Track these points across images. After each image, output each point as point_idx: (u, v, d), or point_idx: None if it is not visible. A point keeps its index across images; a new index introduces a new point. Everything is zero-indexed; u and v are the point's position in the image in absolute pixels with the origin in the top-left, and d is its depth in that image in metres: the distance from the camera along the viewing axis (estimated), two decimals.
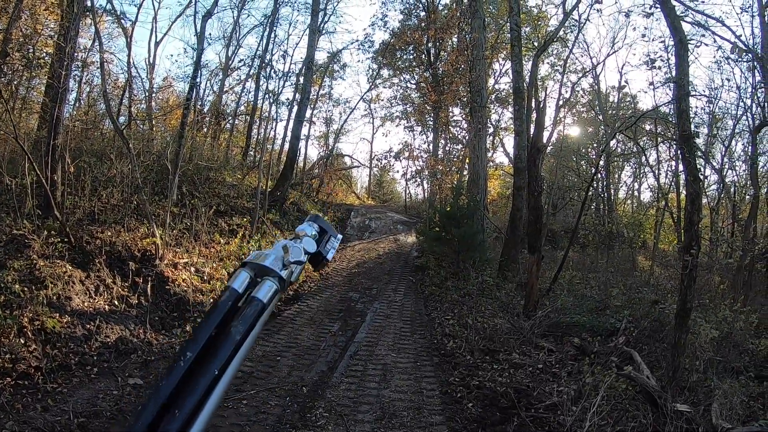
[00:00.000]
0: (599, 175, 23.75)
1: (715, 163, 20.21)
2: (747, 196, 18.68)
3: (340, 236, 1.28)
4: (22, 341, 5.58)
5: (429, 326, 9.66)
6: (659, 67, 16.24)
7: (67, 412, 4.81)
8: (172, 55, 62.41)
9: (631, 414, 5.20)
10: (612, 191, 27.28)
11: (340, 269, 14.49)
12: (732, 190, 18.97)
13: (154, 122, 17.64)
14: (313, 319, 9.55)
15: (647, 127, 22.19)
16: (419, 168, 30.37)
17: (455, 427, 5.34)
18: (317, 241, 1.17)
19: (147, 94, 19.74)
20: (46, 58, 11.28)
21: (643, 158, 24.37)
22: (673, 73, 7.50)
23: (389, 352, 7.92)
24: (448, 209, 14.52)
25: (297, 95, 21.00)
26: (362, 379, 6.65)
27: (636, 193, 30.87)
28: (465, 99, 23.72)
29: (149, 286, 8.19)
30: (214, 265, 10.28)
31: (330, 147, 32.69)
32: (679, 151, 11.21)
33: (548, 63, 27.27)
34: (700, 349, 6.82)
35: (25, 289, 6.24)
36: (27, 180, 8.21)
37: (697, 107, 19.61)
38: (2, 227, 7.29)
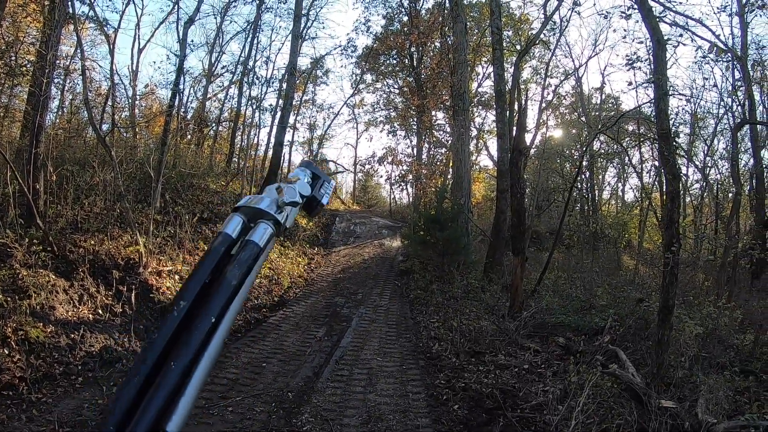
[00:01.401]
0: (583, 176, 24.03)
1: (697, 162, 20.60)
2: (729, 194, 18.99)
3: (333, 182, 1.25)
4: (6, 351, 5.56)
5: (414, 330, 9.74)
6: (639, 68, 16.52)
7: (52, 422, 4.82)
8: (154, 62, 61.99)
9: (617, 411, 5.29)
10: (596, 192, 27.60)
11: (325, 275, 14.53)
12: (715, 188, 19.30)
13: (137, 130, 17.57)
14: (299, 324, 9.59)
15: (630, 128, 22.51)
16: (403, 172, 30.58)
17: (441, 429, 5.41)
18: (311, 186, 1.12)
19: (130, 101, 19.66)
20: (28, 66, 11.21)
21: (626, 158, 24.75)
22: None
23: (375, 356, 7.98)
24: (433, 213, 14.62)
25: (280, 101, 21.07)
26: (348, 384, 6.71)
27: (620, 193, 31.28)
28: (448, 103, 23.92)
29: (133, 294, 8.18)
30: None
31: (314, 152, 32.72)
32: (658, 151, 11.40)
33: (530, 67, 27.60)
34: (685, 345, 6.93)
35: (8, 299, 6.21)
36: (9, 189, 8.17)
37: (678, 107, 19.98)
38: None
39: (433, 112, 27.44)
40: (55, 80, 12.94)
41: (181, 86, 18.89)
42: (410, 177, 30.31)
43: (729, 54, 13.91)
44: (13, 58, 11.47)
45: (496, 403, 5.88)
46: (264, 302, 10.83)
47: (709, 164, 20.36)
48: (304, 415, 5.64)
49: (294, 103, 24.17)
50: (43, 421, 4.84)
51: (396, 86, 31.78)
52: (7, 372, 5.34)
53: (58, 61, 11.59)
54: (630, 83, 24.47)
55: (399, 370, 7.38)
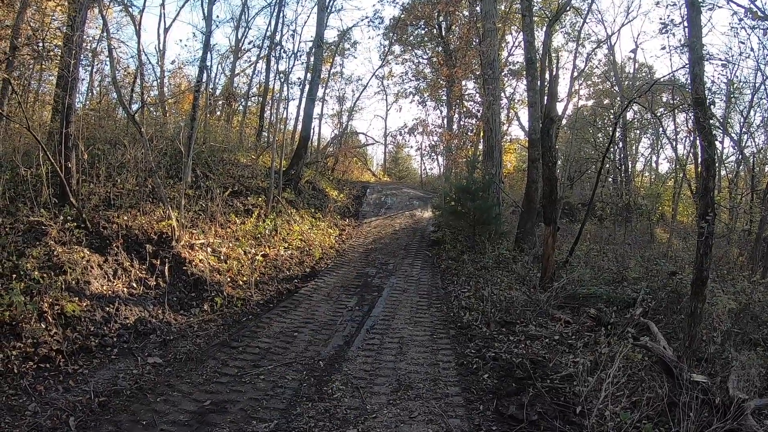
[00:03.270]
0: (616, 147, 23.36)
1: (733, 134, 19.75)
2: (766, 167, 18.25)
3: None
4: (43, 326, 5.70)
5: (445, 299, 9.66)
6: (673, 33, 15.74)
7: (88, 392, 4.92)
8: (180, 40, 62.29)
9: (647, 384, 5.15)
10: (629, 163, 26.85)
11: (356, 245, 14.53)
12: (751, 160, 18.50)
13: (166, 108, 17.73)
14: (330, 295, 9.62)
15: (664, 98, 21.71)
16: (434, 143, 30.23)
17: (471, 398, 5.34)
18: None
19: (158, 80, 19.84)
20: (56, 50, 11.35)
21: (660, 128, 23.92)
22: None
23: (406, 325, 7.95)
24: (464, 183, 14.42)
25: (308, 74, 20.88)
26: (379, 353, 6.69)
27: (654, 164, 30.35)
28: (478, 72, 23.41)
29: (166, 267, 8.30)
30: (231, 244, 10.38)
31: (343, 125, 32.55)
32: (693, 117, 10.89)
33: (562, 33, 26.63)
34: (717, 320, 6.75)
35: (45, 275, 6.34)
36: (42, 170, 8.32)
37: (713, 76, 19.04)
38: (20, 217, 7.40)
39: (463, 82, 26.87)
40: (83, 62, 13.11)
41: (208, 62, 18.99)
42: (441, 147, 29.98)
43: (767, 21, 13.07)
44: (40, 44, 11.63)
45: (526, 373, 5.78)
46: (296, 273, 10.89)
47: (745, 136, 19.46)
48: (335, 383, 5.64)
49: (322, 76, 23.93)
50: (79, 391, 4.95)
51: (425, 57, 31.19)
52: (45, 345, 5.48)
53: (85, 44, 11.72)
54: (663, 47, 23.50)
55: (429, 339, 7.33)
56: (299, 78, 24.87)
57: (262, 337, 7.06)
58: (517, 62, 27.74)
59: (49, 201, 8.01)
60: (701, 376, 4.81)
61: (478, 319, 8.14)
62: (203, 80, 15.43)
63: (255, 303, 8.74)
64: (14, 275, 6.06)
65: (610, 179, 24.12)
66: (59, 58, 10.02)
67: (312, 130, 22.35)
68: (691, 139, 21.17)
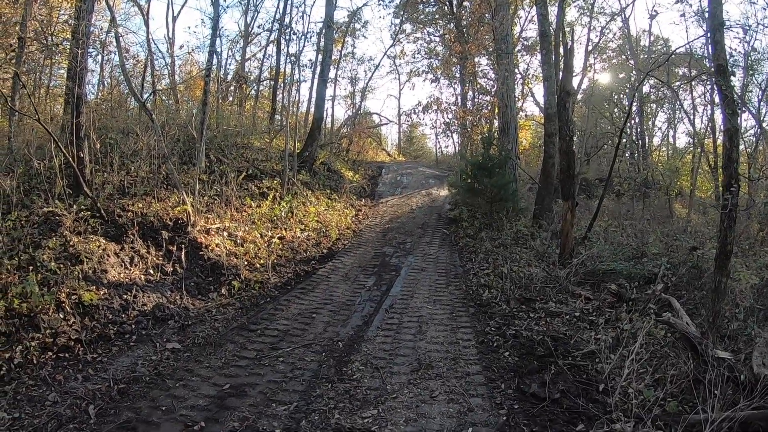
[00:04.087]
0: (633, 122, 22.87)
1: (751, 107, 19.17)
2: None
3: None
4: (61, 316, 5.70)
5: (464, 277, 9.55)
6: (689, 4, 15.27)
7: (107, 380, 4.91)
8: (189, 27, 62.26)
9: (671, 361, 5.01)
10: (646, 138, 26.32)
11: (373, 225, 14.45)
12: None
13: (178, 95, 17.70)
14: (348, 275, 9.55)
15: (681, 71, 21.17)
16: (448, 120, 29.91)
17: (492, 376, 5.24)
18: None
19: (169, 68, 19.80)
20: (64, 43, 11.34)
21: (677, 102, 23.36)
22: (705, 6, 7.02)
23: (425, 304, 7.86)
24: (480, 159, 14.21)
25: (319, 56, 20.64)
26: (398, 332, 6.61)
27: (671, 139, 29.70)
28: (491, 48, 23.03)
29: (183, 253, 8.29)
30: (247, 228, 10.35)
31: (357, 105, 32.27)
32: (715, 88, 10.51)
33: (575, 7, 25.92)
34: (740, 296, 6.58)
35: (61, 265, 6.35)
36: (55, 161, 8.30)
37: (731, 47, 18.45)
38: (35, 209, 7.40)
39: (476, 59, 26.50)
40: (92, 53, 13.08)
41: (217, 47, 18.84)
42: (456, 125, 29.66)
43: None
44: (50, 38, 11.62)
45: (548, 351, 5.67)
46: (313, 254, 10.84)
47: (764, 108, 18.88)
48: (354, 363, 5.58)
49: (333, 57, 23.68)
50: (98, 379, 4.95)
51: (436, 34, 30.74)
52: (63, 335, 5.48)
53: (93, 36, 11.68)
54: (682, 14, 22.85)
55: (449, 317, 7.23)
56: (310, 60, 24.70)
57: (281, 319, 7.02)
58: (530, 37, 27.12)
59: (63, 192, 8.01)
60: (726, 353, 4.66)
61: (497, 297, 8.02)
62: (213, 65, 15.33)
63: (272, 285, 8.71)
64: (31, 267, 6.07)
65: (627, 154, 23.70)
66: (68, 50, 10.00)
67: (325, 112, 22.20)
68: (709, 112, 20.75)
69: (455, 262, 10.76)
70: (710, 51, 7.74)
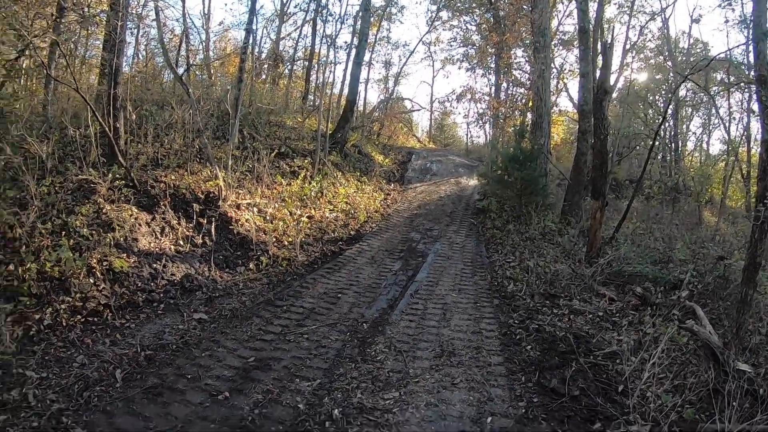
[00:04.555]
0: (667, 124, 22.28)
1: None
2: None
3: None
4: (92, 281, 5.77)
5: (489, 268, 9.40)
6: (732, 8, 14.76)
7: (134, 346, 4.96)
8: (225, 4, 62.44)
9: (690, 369, 4.86)
10: (679, 142, 25.65)
11: (401, 210, 14.36)
12: None
13: (212, 71, 17.77)
14: (375, 258, 9.50)
15: (719, 77, 20.49)
16: (482, 110, 29.55)
17: (513, 368, 5.14)
18: None
19: (204, 43, 19.90)
20: (101, 15, 11.42)
21: (713, 108, 22.65)
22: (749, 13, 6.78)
23: (450, 292, 7.76)
24: (512, 151, 13.98)
25: (354, 39, 20.50)
26: (422, 318, 6.53)
27: (705, 145, 28.89)
28: (528, 41, 22.61)
29: (213, 226, 8.34)
30: (276, 205, 10.37)
31: (390, 90, 32.09)
32: (753, 97, 10.10)
33: (615, 5, 25.25)
34: (765, 310, 6.40)
35: (94, 232, 6.42)
36: (91, 130, 8.39)
37: None
38: (69, 176, 7.49)
39: (513, 50, 26.04)
40: (129, 27, 13.16)
41: (253, 26, 18.86)
42: (488, 115, 29.29)
43: None
44: (86, 9, 11.69)
45: (569, 348, 5.54)
46: (340, 235, 10.81)
47: None
48: (378, 345, 5.53)
49: (369, 40, 23.53)
50: (125, 344, 5.00)
51: (473, 23, 30.28)
52: (93, 300, 5.55)
53: (130, 8, 11.72)
54: (726, 20, 22.13)
55: (473, 307, 7.11)
56: (345, 42, 24.56)
57: (307, 297, 7.01)
58: (567, 32, 26.54)
59: (98, 160, 8.09)
60: (746, 366, 4.54)
61: (522, 290, 7.88)
62: (249, 43, 15.33)
63: (300, 263, 8.70)
64: (63, 232, 6.14)
65: (659, 157, 23.15)
66: (105, 21, 10.06)
67: (358, 94, 22.11)
68: (745, 121, 20.06)
69: (481, 252, 10.61)
70: (752, 59, 7.47)
